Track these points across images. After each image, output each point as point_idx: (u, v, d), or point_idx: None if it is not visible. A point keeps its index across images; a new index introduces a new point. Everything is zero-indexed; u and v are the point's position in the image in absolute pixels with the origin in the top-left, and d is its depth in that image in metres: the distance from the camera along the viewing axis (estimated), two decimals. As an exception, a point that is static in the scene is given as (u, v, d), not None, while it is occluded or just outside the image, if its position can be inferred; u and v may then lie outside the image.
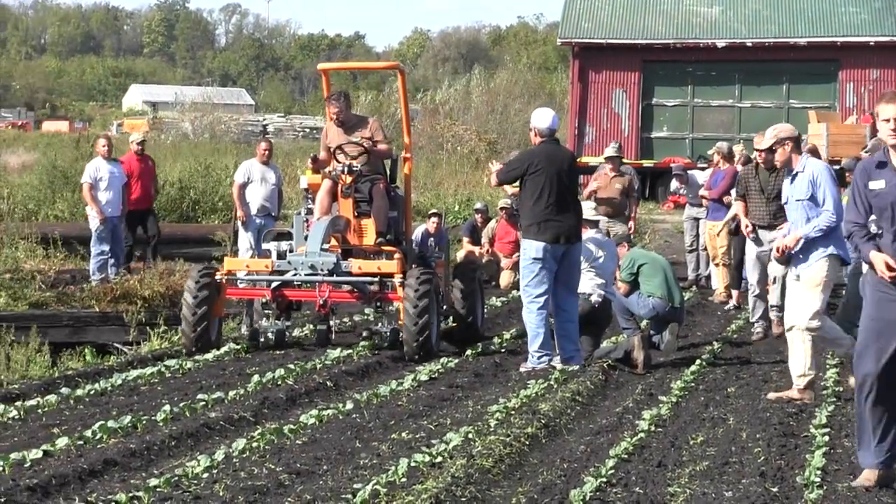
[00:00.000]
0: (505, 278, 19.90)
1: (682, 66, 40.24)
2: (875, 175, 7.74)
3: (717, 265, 18.43)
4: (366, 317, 15.40)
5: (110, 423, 9.02)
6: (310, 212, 13.91)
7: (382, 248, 13.67)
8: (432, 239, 18.88)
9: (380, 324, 13.39)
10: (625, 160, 20.59)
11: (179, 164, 31.33)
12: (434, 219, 19.55)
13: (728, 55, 39.68)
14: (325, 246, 13.24)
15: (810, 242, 10.50)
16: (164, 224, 21.30)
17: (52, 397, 10.30)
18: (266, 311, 13.57)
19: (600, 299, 13.13)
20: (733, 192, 18.15)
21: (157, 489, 7.39)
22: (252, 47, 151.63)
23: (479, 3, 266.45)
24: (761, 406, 10.51)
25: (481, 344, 13.79)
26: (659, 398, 10.93)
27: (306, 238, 13.43)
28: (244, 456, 8.41)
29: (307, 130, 65.14)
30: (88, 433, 8.79)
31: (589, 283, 12.96)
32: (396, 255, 13.33)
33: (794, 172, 10.71)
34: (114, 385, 11.11)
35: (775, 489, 7.74)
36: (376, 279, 13.11)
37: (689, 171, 20.78)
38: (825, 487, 7.76)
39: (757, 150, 13.05)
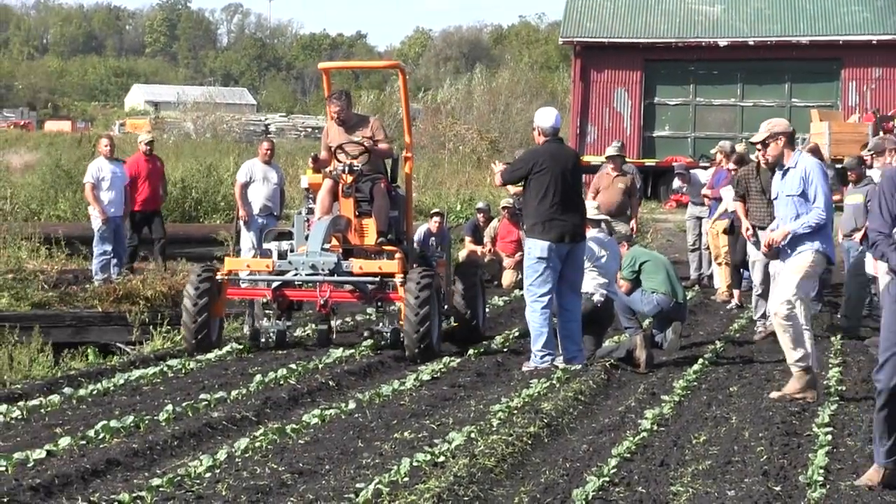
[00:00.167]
0: (507, 278, 19.89)
1: (684, 65, 40.27)
2: None
3: (719, 264, 18.42)
4: (368, 316, 15.40)
5: (113, 423, 9.02)
6: (311, 211, 13.88)
7: (383, 247, 13.64)
8: (433, 238, 18.87)
9: (381, 324, 13.36)
10: (627, 159, 20.59)
11: (181, 163, 31.32)
12: (436, 218, 19.55)
13: (730, 54, 39.71)
14: (326, 246, 13.22)
15: (798, 238, 10.52)
16: (167, 224, 21.29)
17: (54, 397, 10.30)
18: (267, 312, 13.52)
19: (602, 298, 13.14)
20: (724, 189, 18.19)
21: (160, 489, 7.39)
22: (254, 47, 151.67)
23: (481, 3, 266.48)
24: (764, 405, 10.50)
25: (483, 344, 13.78)
26: (661, 397, 10.93)
27: (307, 238, 13.40)
28: (247, 455, 8.41)
29: (309, 130, 65.13)
30: (91, 433, 8.79)
31: (591, 283, 12.96)
32: (397, 255, 13.30)
33: (785, 168, 10.72)
34: (116, 385, 11.11)
35: (778, 488, 7.74)
36: (377, 279, 13.10)
37: (691, 171, 20.79)
38: (828, 486, 7.76)
39: (751, 143, 13.02)
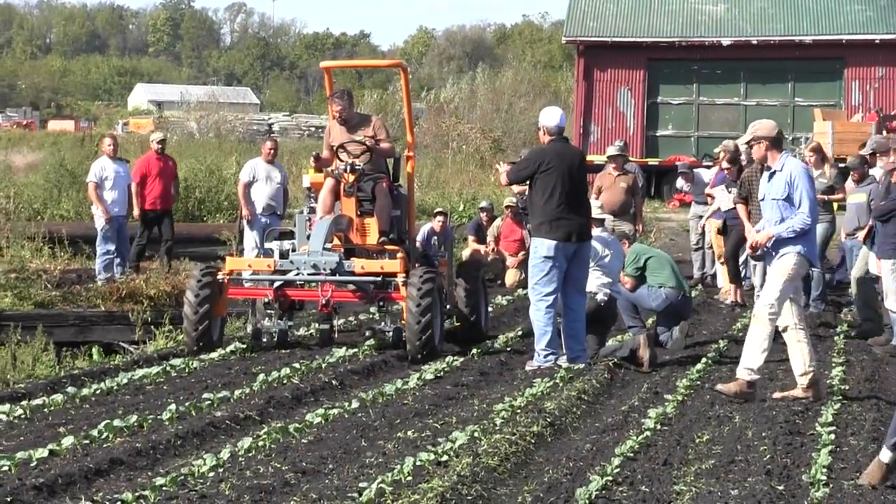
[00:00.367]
0: (510, 277, 19.88)
1: (688, 65, 40.27)
2: None
3: (722, 263, 18.41)
4: (371, 315, 15.40)
5: (116, 423, 9.03)
6: (312, 211, 13.85)
7: (385, 247, 13.62)
8: (436, 238, 18.87)
9: (383, 323, 13.33)
10: (630, 158, 20.59)
11: (185, 163, 31.31)
12: (439, 218, 19.54)
13: (733, 53, 39.70)
14: (328, 245, 13.20)
15: (781, 241, 10.52)
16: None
17: (57, 396, 10.30)
18: (268, 311, 13.48)
19: (606, 298, 13.14)
20: (718, 189, 18.17)
21: (163, 488, 7.39)
22: (257, 46, 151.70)
23: (485, 2, 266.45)
24: (767, 404, 10.50)
25: (487, 343, 13.76)
26: (665, 397, 10.93)
27: (309, 237, 13.38)
28: (250, 455, 8.42)
29: (312, 129, 65.15)
30: (94, 432, 8.79)
31: (595, 282, 12.96)
32: (399, 255, 13.28)
33: (771, 171, 10.71)
34: (119, 384, 11.11)
35: (781, 487, 7.73)
36: (379, 279, 13.09)
37: (694, 170, 20.79)
38: (831, 486, 7.76)
39: (739, 144, 13.01)
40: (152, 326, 15.62)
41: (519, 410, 9.94)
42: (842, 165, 19.65)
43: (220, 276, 13.24)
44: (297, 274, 13.20)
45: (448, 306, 13.81)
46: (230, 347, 13.09)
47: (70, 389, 10.69)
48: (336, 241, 13.60)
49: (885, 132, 26.37)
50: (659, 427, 9.60)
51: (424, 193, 32.18)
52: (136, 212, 19.53)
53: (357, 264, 13.14)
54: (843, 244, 17.34)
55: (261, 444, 8.69)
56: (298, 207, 20.22)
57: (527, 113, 53.68)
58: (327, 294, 13.07)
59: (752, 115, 38.79)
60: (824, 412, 10.01)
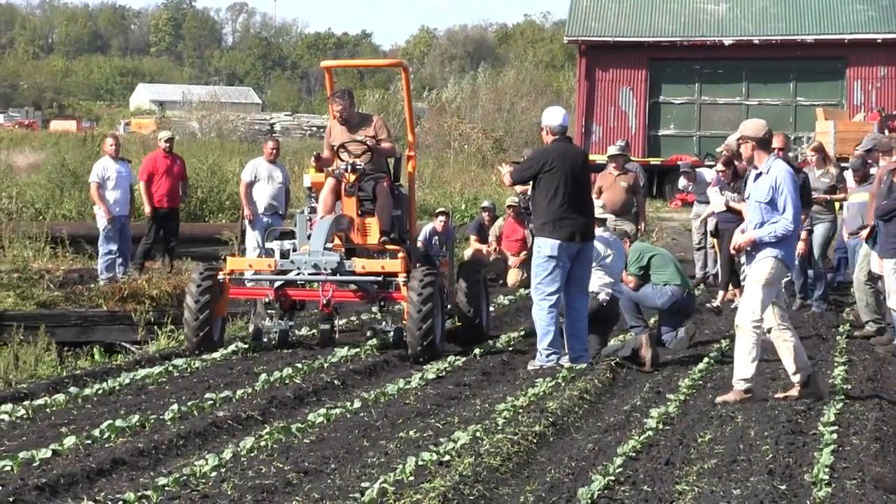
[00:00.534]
0: (512, 277, 19.88)
1: (690, 64, 40.23)
2: None
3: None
4: (373, 315, 15.39)
5: (118, 423, 9.03)
6: (313, 210, 13.83)
7: (386, 246, 13.61)
8: (437, 238, 18.87)
9: (384, 323, 13.30)
10: (632, 158, 20.59)
11: (187, 163, 31.29)
12: (441, 217, 19.54)
13: (735, 53, 39.67)
14: (329, 245, 13.18)
15: (760, 244, 10.51)
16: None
17: (60, 396, 10.30)
18: (269, 311, 13.46)
19: (608, 297, 13.14)
20: (711, 190, 18.13)
21: (166, 488, 7.39)
22: (259, 46, 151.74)
23: (486, 2, 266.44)
24: (769, 404, 10.49)
25: (489, 343, 13.75)
26: (667, 396, 10.93)
27: (309, 237, 13.37)
28: (252, 455, 8.42)
29: (314, 129, 65.13)
30: (96, 432, 8.79)
31: (596, 282, 12.96)
32: (400, 254, 13.26)
33: (758, 172, 10.70)
34: (122, 384, 11.11)
35: (783, 487, 7.73)
36: (380, 278, 13.07)
37: (696, 169, 20.78)
38: (833, 485, 7.75)
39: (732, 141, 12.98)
40: (154, 326, 15.63)
41: (521, 410, 9.94)
42: (844, 165, 19.64)
43: (220, 276, 13.22)
44: (298, 274, 13.18)
45: (449, 306, 13.79)
46: (232, 347, 13.09)
47: (72, 389, 10.69)
48: (337, 241, 13.58)
49: (886, 132, 26.33)
50: (661, 426, 9.59)
51: (426, 193, 32.18)
52: (147, 209, 19.56)
53: (358, 264, 13.12)
54: (847, 244, 17.33)
55: (263, 443, 8.69)
56: (300, 207, 20.24)
57: (528, 113, 53.70)
58: (328, 294, 13.05)
59: (753, 114, 38.73)
60: (826, 412, 10.01)
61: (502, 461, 8.13)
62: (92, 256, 19.85)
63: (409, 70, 14.97)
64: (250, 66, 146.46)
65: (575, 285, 12.28)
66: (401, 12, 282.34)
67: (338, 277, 13.05)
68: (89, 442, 8.60)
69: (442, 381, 11.65)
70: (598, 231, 12.99)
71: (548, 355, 12.16)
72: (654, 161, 37.27)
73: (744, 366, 10.55)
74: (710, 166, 23.71)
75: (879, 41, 38.92)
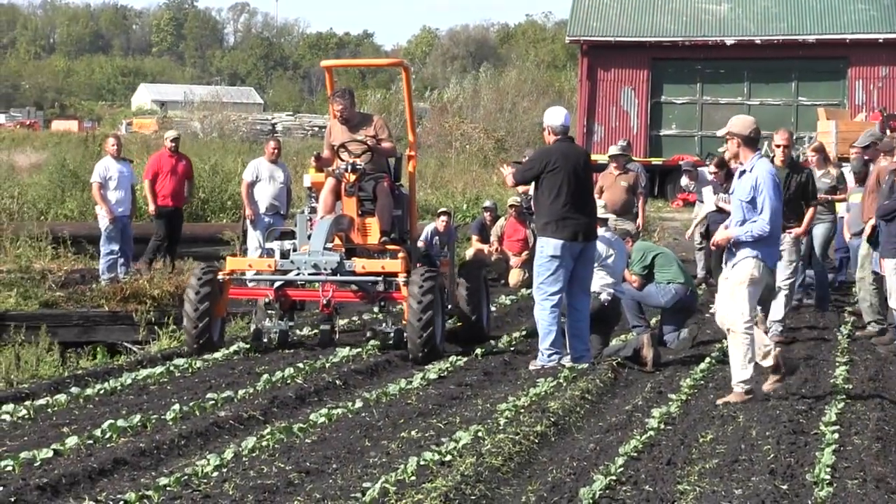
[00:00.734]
0: (514, 276, 19.87)
1: (691, 64, 40.27)
2: None
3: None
4: (374, 315, 15.39)
5: (120, 423, 9.03)
6: (313, 210, 13.81)
7: (386, 247, 13.59)
8: (437, 238, 18.86)
9: (384, 324, 13.28)
10: (633, 158, 20.60)
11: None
12: (443, 217, 19.54)
13: (737, 53, 39.71)
14: (329, 245, 13.15)
15: (739, 243, 10.51)
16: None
17: (61, 396, 10.30)
18: (269, 312, 13.42)
19: (609, 297, 13.14)
20: (705, 190, 18.14)
21: (167, 488, 7.40)
22: (261, 46, 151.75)
23: (488, 2, 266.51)
24: (771, 403, 10.49)
25: (490, 343, 13.75)
26: (668, 396, 10.93)
27: (310, 237, 13.35)
28: (254, 455, 8.42)
29: (316, 129, 65.13)
30: (98, 432, 8.80)
31: (598, 282, 12.96)
32: (400, 254, 13.23)
33: (742, 170, 10.71)
34: (123, 384, 11.11)
35: (785, 487, 7.73)
36: (380, 278, 13.06)
37: (698, 168, 20.77)
38: (835, 485, 7.76)
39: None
40: (156, 326, 15.63)
41: (522, 410, 9.94)
42: (845, 165, 19.63)
43: (220, 277, 13.20)
44: (298, 274, 13.16)
45: (450, 306, 13.78)
46: (233, 347, 13.09)
47: (74, 389, 10.69)
48: (337, 241, 13.55)
49: (888, 131, 26.31)
50: (662, 426, 9.59)
51: (428, 193, 32.19)
52: (151, 208, 19.60)
53: (358, 264, 13.09)
54: (849, 244, 17.32)
55: (264, 443, 8.70)
56: (301, 207, 20.25)
57: (530, 113, 53.70)
58: (328, 294, 13.03)
59: (755, 114, 38.47)
60: (828, 411, 10.01)
61: (504, 461, 8.13)
62: (94, 256, 19.85)
63: (410, 70, 14.96)
64: (252, 66, 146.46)
65: (577, 285, 12.27)
66: (402, 12, 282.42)
67: (338, 277, 13.03)
68: (91, 442, 8.60)
69: (443, 380, 11.65)
70: (600, 231, 12.99)
71: (549, 355, 12.16)
72: (656, 161, 37.28)
73: (742, 368, 10.55)
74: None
75: (881, 41, 38.94)
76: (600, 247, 12.92)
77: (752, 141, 10.61)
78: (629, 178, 18.63)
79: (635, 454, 8.59)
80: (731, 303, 10.57)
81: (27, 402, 10.04)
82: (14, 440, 8.80)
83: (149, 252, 19.31)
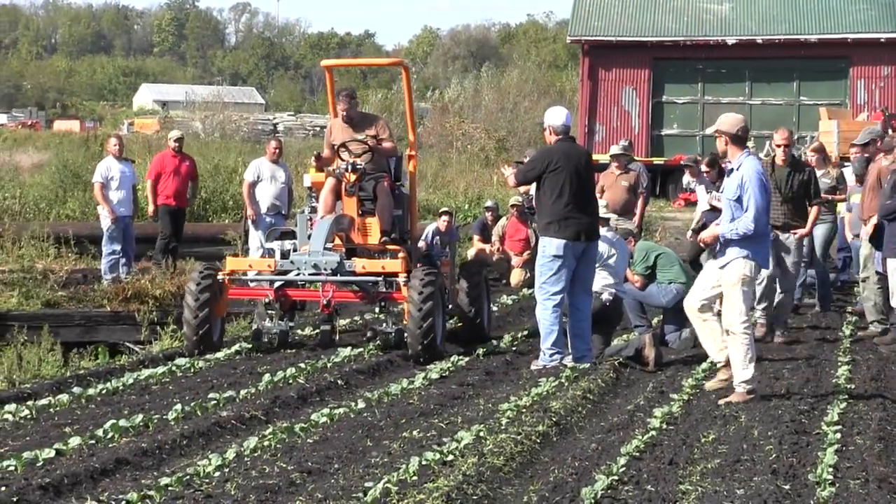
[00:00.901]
0: (515, 276, 19.86)
1: (693, 64, 40.27)
2: None
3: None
4: (376, 316, 15.38)
5: (122, 423, 9.03)
6: (314, 210, 13.79)
7: (387, 247, 13.57)
8: (438, 237, 18.86)
9: (384, 324, 13.23)
10: (635, 158, 20.58)
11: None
12: (445, 217, 19.53)
13: (738, 52, 39.71)
14: (329, 245, 13.12)
15: (728, 242, 10.51)
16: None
17: (63, 396, 10.31)
18: (269, 312, 13.40)
19: (611, 297, 13.13)
20: (699, 189, 18.12)
21: (169, 488, 7.40)
22: (262, 46, 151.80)
23: (489, 1, 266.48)
24: (773, 403, 10.49)
25: (492, 343, 13.74)
26: (670, 396, 10.92)
27: (310, 237, 13.34)
28: (255, 455, 8.42)
29: (317, 129, 65.14)
30: (100, 432, 8.80)
31: (599, 282, 12.95)
32: (401, 254, 13.20)
33: (730, 168, 10.72)
34: (125, 384, 11.12)
35: (787, 487, 7.73)
36: (380, 279, 13.04)
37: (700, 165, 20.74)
38: (837, 485, 7.75)
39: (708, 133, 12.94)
40: (158, 326, 15.63)
41: (524, 410, 9.94)
42: (847, 165, 19.62)
43: (220, 277, 13.17)
44: (298, 274, 13.13)
45: (450, 306, 13.75)
46: (235, 347, 13.09)
47: (76, 389, 10.70)
48: (337, 241, 13.52)
49: (890, 131, 26.31)
50: (664, 426, 9.59)
51: (430, 193, 32.18)
52: (150, 209, 19.62)
53: (358, 264, 13.05)
54: (851, 244, 17.31)
55: (266, 443, 8.70)
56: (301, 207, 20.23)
57: (531, 112, 53.69)
58: (328, 294, 13.01)
59: (757, 114, 38.85)
60: (830, 411, 10.00)
61: (506, 461, 8.13)
62: (95, 256, 19.85)
63: (410, 69, 14.96)
64: (253, 66, 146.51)
65: (579, 285, 12.27)
66: (404, 12, 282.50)
67: (338, 278, 13.00)
68: (93, 442, 8.61)
69: (445, 380, 11.64)
70: (602, 231, 12.99)
71: (551, 355, 12.15)
72: (658, 161, 37.27)
73: (743, 368, 10.56)
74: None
75: (883, 40, 38.93)
76: (602, 247, 12.91)
77: (739, 139, 10.63)
78: (630, 178, 18.63)
79: (637, 454, 8.58)
80: (726, 305, 10.59)
81: (29, 402, 10.04)
82: (16, 440, 8.80)
83: (158, 252, 19.31)
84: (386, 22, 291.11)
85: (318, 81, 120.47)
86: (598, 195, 17.49)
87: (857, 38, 39.09)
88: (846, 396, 10.79)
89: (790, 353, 13.41)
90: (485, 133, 51.26)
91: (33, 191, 26.87)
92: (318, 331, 13.68)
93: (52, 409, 9.96)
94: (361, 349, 12.89)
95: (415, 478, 7.67)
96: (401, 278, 12.82)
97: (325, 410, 9.87)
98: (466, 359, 12.74)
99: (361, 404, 10.25)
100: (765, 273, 14.11)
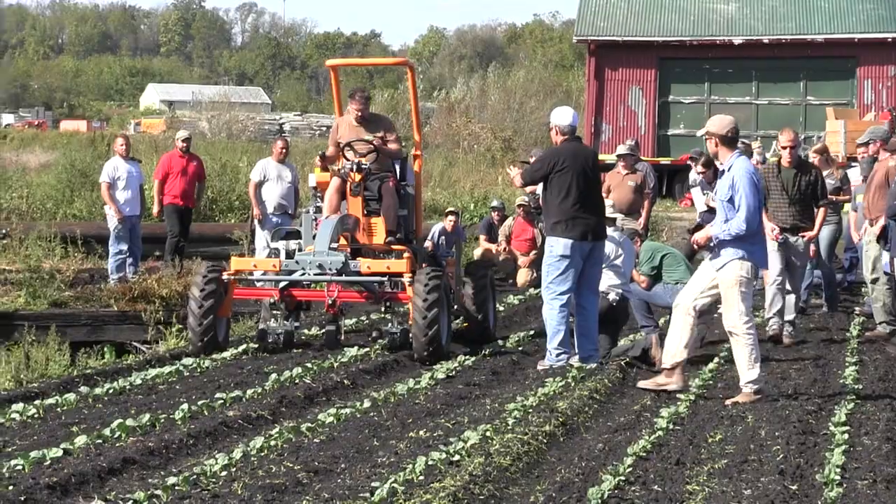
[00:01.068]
0: (522, 276, 19.87)
1: (699, 64, 40.23)
2: None
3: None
4: (382, 316, 15.37)
5: (129, 422, 9.03)
6: (319, 210, 13.76)
7: (392, 247, 13.56)
8: (443, 237, 18.86)
9: (389, 324, 13.19)
10: (642, 158, 20.56)
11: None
12: (451, 217, 19.54)
13: (745, 52, 39.67)
14: (334, 245, 13.07)
15: (723, 243, 10.49)
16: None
17: (71, 396, 10.32)
18: (274, 312, 13.37)
19: (618, 297, 13.13)
20: (694, 190, 18.10)
21: (176, 487, 7.39)
22: (268, 46, 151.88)
23: (495, 1, 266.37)
24: (780, 404, 10.48)
25: (498, 343, 13.72)
26: (677, 396, 10.91)
27: (315, 237, 13.32)
28: (262, 454, 8.42)
29: (324, 129, 65.18)
30: (107, 432, 8.80)
31: (606, 282, 12.94)
32: (406, 254, 13.17)
33: (722, 170, 10.71)
34: (132, 384, 11.12)
35: (794, 487, 7.72)
36: (385, 279, 13.02)
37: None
38: (845, 485, 7.74)
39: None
40: (164, 326, 15.64)
41: (531, 410, 9.93)
42: (854, 164, 19.59)
43: (224, 277, 13.15)
44: (303, 274, 13.12)
45: (455, 306, 13.74)
46: (242, 347, 13.09)
47: (83, 389, 10.70)
48: (342, 241, 13.49)
49: (897, 131, 26.29)
50: (671, 426, 9.58)
51: (436, 193, 32.19)
52: (155, 209, 19.66)
53: (363, 264, 13.02)
54: (858, 244, 17.30)
55: (273, 443, 8.69)
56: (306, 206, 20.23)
57: (537, 112, 53.69)
58: (333, 294, 13.00)
59: (763, 113, 38.85)
60: (838, 412, 9.99)
61: (512, 461, 8.12)
62: (102, 256, 19.88)
63: (416, 69, 14.95)
64: (260, 65, 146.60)
65: (585, 285, 12.27)
66: (410, 12, 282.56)
67: (342, 278, 12.98)
68: (100, 441, 8.61)
69: (452, 380, 11.64)
70: (609, 231, 12.98)
71: (558, 355, 12.15)
72: (664, 160, 37.25)
73: (748, 369, 10.55)
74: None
75: (890, 40, 38.87)
76: (609, 247, 12.90)
77: (730, 140, 10.64)
78: (637, 178, 18.61)
79: (644, 454, 8.58)
80: (726, 307, 10.58)
81: (36, 402, 10.05)
82: (23, 439, 8.81)
83: (168, 251, 19.34)
84: (392, 22, 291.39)
85: (324, 81, 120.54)
86: (604, 195, 17.56)
87: (864, 38, 39.03)
88: (854, 397, 10.78)
89: (797, 354, 13.39)
90: (491, 133, 51.27)
91: (40, 191, 26.90)
92: (323, 331, 13.66)
93: (59, 409, 9.96)
94: (368, 349, 12.89)
95: (421, 478, 7.67)
96: (406, 278, 12.80)
97: (332, 410, 9.87)
98: (473, 359, 12.74)
99: (368, 404, 10.25)
100: (773, 278, 14.08)
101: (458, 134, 51.51)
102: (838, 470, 7.99)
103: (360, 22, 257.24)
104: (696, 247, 11.01)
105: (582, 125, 38.76)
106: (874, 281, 14.76)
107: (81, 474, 7.61)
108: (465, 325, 14.07)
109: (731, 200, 10.47)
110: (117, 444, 8.58)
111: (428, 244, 16.68)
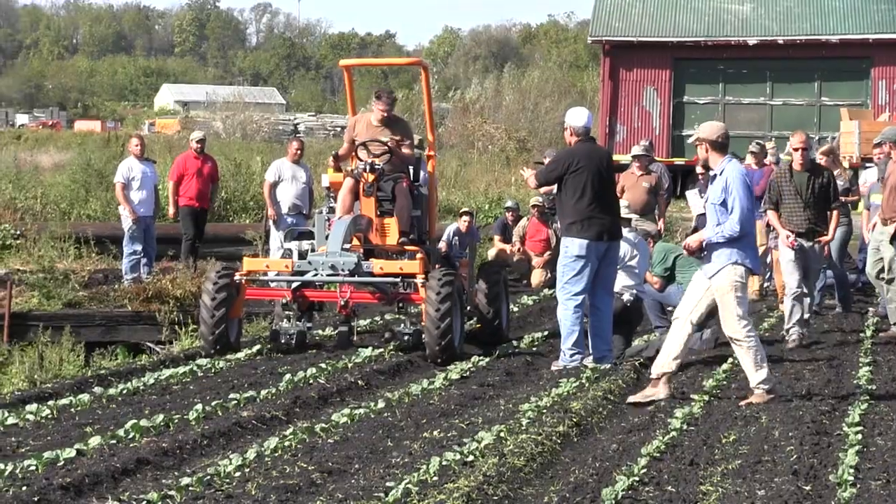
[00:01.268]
0: (536, 277, 19.87)
1: (714, 64, 40.20)
2: None
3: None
4: (397, 316, 15.37)
5: (143, 423, 9.05)
6: (332, 210, 13.75)
7: (405, 247, 13.54)
8: (456, 238, 18.84)
9: (402, 325, 13.17)
10: (656, 158, 20.54)
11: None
12: (465, 217, 19.53)
13: (759, 53, 39.62)
14: (347, 246, 13.03)
15: (716, 247, 10.46)
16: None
17: (84, 396, 10.33)
18: (287, 313, 13.37)
19: (632, 298, 13.12)
20: (690, 193, 18.06)
21: (190, 488, 7.40)
22: (283, 46, 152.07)
23: (510, 2, 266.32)
24: (794, 404, 10.46)
25: (512, 343, 13.71)
26: (691, 396, 10.90)
27: (327, 237, 13.31)
28: (276, 455, 8.42)
29: (338, 129, 65.19)
30: (121, 432, 8.81)
31: (620, 283, 12.94)
32: (419, 255, 13.13)
33: (713, 174, 10.69)
34: (146, 384, 11.13)
35: (808, 488, 7.70)
36: (398, 280, 13.02)
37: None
38: (858, 486, 7.73)
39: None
40: (178, 327, 15.66)
41: (545, 410, 9.93)
42: (868, 165, 19.55)
43: (237, 277, 13.14)
44: (316, 275, 13.10)
45: (469, 307, 13.72)
46: (256, 347, 13.10)
47: (97, 389, 10.72)
48: (355, 242, 13.46)
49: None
50: (685, 427, 9.57)
51: (450, 193, 32.18)
52: (171, 211, 19.68)
53: (376, 265, 12.98)
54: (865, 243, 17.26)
55: (287, 444, 8.70)
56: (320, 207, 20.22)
57: (552, 113, 53.68)
58: (346, 295, 12.98)
59: (778, 114, 38.81)
60: (851, 412, 9.97)
61: (526, 461, 8.12)
62: (117, 257, 19.91)
63: (430, 69, 14.93)
64: (274, 66, 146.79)
65: (600, 285, 12.26)
66: (424, 12, 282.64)
67: (355, 279, 12.96)
68: (114, 442, 8.62)
69: (466, 381, 11.64)
70: (624, 232, 12.97)
71: (572, 355, 12.15)
72: (679, 161, 37.21)
73: (756, 371, 10.54)
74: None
75: (904, 41, 38.80)
76: (624, 248, 12.90)
77: (720, 146, 10.64)
78: (651, 179, 18.60)
79: (658, 454, 8.57)
80: (723, 314, 10.56)
81: (50, 402, 10.06)
82: (37, 440, 8.82)
83: (184, 253, 19.36)
84: (407, 22, 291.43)
85: (338, 82, 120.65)
86: (619, 196, 17.54)
87: (878, 39, 38.96)
88: (867, 397, 10.75)
89: (811, 355, 13.37)
90: (505, 133, 51.27)
91: (54, 191, 26.95)
92: (336, 332, 13.66)
93: (73, 409, 9.98)
94: (382, 350, 12.89)
95: (435, 478, 7.67)
96: (419, 279, 12.79)
97: (346, 411, 9.88)
98: (487, 359, 12.74)
99: (382, 404, 10.25)
100: (792, 290, 13.98)
101: (473, 134, 51.51)
102: (852, 470, 7.97)
103: (375, 22, 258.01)
104: (687, 252, 10.94)
105: (596, 126, 38.76)
106: (889, 281, 14.70)
107: (95, 475, 7.62)
108: (478, 325, 14.06)
109: (723, 204, 10.46)
110: (131, 445, 8.59)
111: (442, 245, 16.68)
